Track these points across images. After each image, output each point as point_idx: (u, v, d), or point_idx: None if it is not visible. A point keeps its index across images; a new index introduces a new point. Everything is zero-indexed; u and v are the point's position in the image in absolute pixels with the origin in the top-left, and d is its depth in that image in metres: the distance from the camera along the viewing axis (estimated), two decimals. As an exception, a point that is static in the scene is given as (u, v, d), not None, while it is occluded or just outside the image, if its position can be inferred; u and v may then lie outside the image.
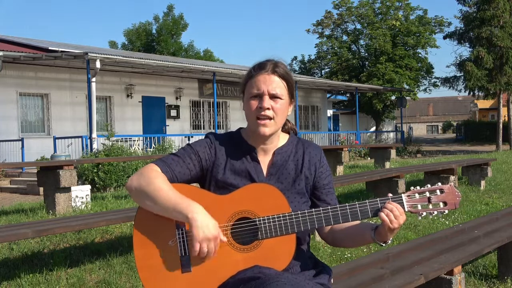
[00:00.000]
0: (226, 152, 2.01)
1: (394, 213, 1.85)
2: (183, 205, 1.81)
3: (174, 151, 2.14)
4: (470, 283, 4.23)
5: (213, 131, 19.39)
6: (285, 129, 2.12)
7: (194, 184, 2.00)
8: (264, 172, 2.02)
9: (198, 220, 1.78)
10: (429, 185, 1.96)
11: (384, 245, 1.92)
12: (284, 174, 2.02)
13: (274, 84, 1.95)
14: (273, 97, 1.95)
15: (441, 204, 1.93)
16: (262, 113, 1.93)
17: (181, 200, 1.82)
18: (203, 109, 21.66)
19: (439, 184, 1.97)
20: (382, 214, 1.85)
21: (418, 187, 1.95)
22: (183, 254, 1.85)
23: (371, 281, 2.76)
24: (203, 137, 2.09)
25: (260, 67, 1.99)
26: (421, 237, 4.57)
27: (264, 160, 2.04)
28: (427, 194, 1.93)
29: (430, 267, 3.06)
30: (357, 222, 1.98)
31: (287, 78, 1.99)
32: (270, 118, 1.95)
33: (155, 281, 1.86)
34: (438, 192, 1.93)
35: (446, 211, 1.93)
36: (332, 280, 2.06)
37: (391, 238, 1.90)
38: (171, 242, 1.87)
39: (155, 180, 1.86)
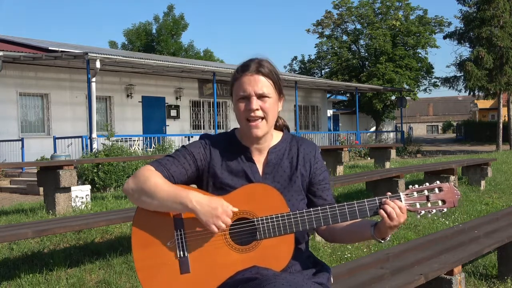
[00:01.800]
0: (221, 153, 2.01)
1: (396, 211, 1.84)
2: (181, 196, 1.83)
3: (173, 152, 2.15)
4: (470, 283, 4.23)
5: (213, 131, 19.43)
6: (277, 126, 2.11)
7: (192, 186, 2.00)
8: (260, 171, 2.02)
9: (199, 205, 1.80)
10: (427, 184, 1.95)
11: (382, 241, 1.91)
12: (280, 172, 2.02)
13: (260, 84, 1.94)
14: (261, 97, 1.94)
15: (440, 203, 1.91)
16: (252, 114, 1.93)
17: (178, 191, 1.84)
18: (203, 109, 21.65)
19: (438, 182, 1.96)
20: (382, 212, 1.85)
21: (416, 186, 1.94)
22: (182, 255, 1.85)
23: (371, 281, 2.76)
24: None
25: (243, 69, 1.97)
26: (421, 237, 4.57)
27: (259, 160, 2.04)
28: (426, 192, 1.92)
29: (430, 267, 3.05)
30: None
31: (272, 76, 1.97)
32: (262, 118, 1.95)
33: (154, 282, 1.86)
34: (436, 190, 1.92)
35: (445, 209, 1.92)
36: (331, 280, 2.06)
37: (390, 235, 1.90)
38: (170, 243, 1.87)
39: (151, 177, 1.88)
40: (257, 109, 1.93)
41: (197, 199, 1.82)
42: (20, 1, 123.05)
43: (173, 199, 1.83)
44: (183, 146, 2.05)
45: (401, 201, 1.89)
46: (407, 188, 2.11)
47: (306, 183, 2.05)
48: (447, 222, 6.45)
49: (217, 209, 1.80)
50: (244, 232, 1.87)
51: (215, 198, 1.84)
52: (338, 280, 2.71)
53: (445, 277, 3.15)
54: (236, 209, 1.84)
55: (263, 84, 1.95)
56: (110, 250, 5.15)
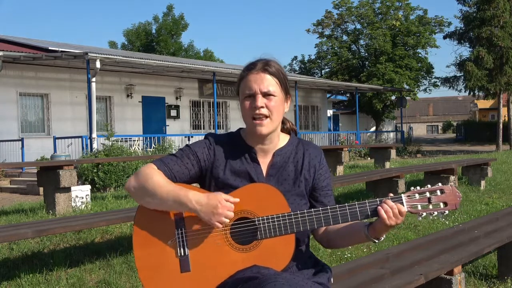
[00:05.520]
0: (225, 153, 2.01)
1: (394, 211, 1.85)
2: (181, 196, 1.84)
3: (173, 152, 2.15)
4: (470, 283, 4.23)
5: (213, 131, 19.40)
6: (284, 129, 2.11)
7: (194, 184, 2.00)
8: (264, 173, 2.01)
9: (198, 205, 1.81)
10: (429, 186, 1.95)
11: (376, 242, 1.91)
12: (284, 175, 2.01)
13: (265, 82, 1.95)
14: (266, 95, 1.94)
15: (442, 205, 1.92)
16: (257, 112, 1.93)
17: (178, 191, 1.85)
18: (203, 109, 21.65)
19: (440, 184, 1.96)
20: (381, 209, 1.86)
21: (418, 187, 1.94)
22: (182, 254, 1.86)
23: (371, 281, 2.76)
24: (203, 137, 2.09)
25: (250, 67, 1.99)
26: (421, 237, 4.57)
27: (264, 161, 2.03)
28: (427, 194, 1.92)
29: (430, 267, 3.05)
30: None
31: (278, 76, 1.98)
32: (266, 117, 1.94)
33: (155, 281, 1.86)
34: (438, 192, 1.92)
35: (447, 212, 1.92)
36: (332, 280, 2.06)
37: (384, 235, 1.90)
38: (170, 242, 1.87)
39: (153, 176, 1.88)
40: (262, 107, 1.93)
41: (197, 199, 1.83)
42: (20, 1, 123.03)
43: (173, 199, 1.84)
44: (187, 145, 2.04)
45: (402, 202, 1.89)
46: (408, 189, 2.12)
47: (309, 187, 2.05)
48: (447, 222, 6.45)
49: (216, 207, 1.80)
50: (245, 231, 1.88)
51: (212, 194, 1.84)
52: (338, 280, 2.70)
53: (445, 277, 3.15)
54: (237, 200, 1.85)
55: (269, 83, 1.95)
56: (110, 250, 5.15)
